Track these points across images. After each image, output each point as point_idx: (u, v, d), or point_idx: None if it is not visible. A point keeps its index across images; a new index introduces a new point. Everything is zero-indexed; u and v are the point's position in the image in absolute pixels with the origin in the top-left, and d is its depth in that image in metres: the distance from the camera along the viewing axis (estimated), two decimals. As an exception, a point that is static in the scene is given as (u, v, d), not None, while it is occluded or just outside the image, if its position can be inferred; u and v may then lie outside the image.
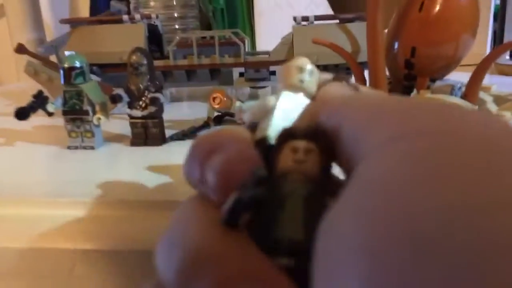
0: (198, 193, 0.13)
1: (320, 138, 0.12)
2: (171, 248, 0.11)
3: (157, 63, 0.51)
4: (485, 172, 0.07)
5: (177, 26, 0.68)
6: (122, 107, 0.38)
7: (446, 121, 0.09)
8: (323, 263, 0.08)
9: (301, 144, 0.12)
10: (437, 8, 0.32)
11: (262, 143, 0.13)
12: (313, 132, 0.12)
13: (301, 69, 0.15)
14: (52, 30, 1.13)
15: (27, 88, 0.73)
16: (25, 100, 0.36)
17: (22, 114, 0.33)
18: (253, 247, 0.10)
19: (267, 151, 0.12)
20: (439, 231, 0.07)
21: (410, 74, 0.34)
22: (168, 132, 0.39)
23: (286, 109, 0.14)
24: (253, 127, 0.15)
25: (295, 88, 0.15)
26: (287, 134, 0.12)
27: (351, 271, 0.07)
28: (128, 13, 0.81)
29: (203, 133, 0.14)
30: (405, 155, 0.08)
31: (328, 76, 0.16)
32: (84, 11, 1.14)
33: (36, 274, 0.28)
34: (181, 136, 0.38)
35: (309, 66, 0.15)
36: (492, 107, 0.34)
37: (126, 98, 0.36)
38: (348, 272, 0.07)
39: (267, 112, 0.14)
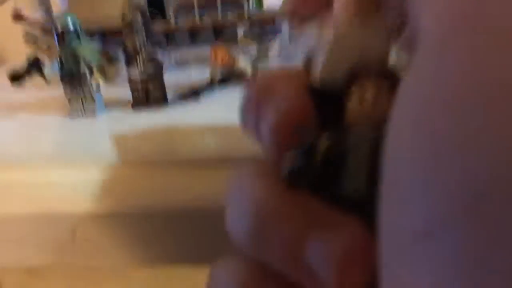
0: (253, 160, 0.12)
1: (389, 74, 0.09)
2: (240, 213, 0.11)
3: (158, 25, 0.49)
4: None
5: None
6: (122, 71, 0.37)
7: None
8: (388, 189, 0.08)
9: (368, 86, 0.10)
10: None
11: (316, 88, 0.10)
12: (381, 69, 0.10)
13: None
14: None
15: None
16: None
17: (17, 77, 0.32)
18: (316, 203, 0.10)
19: (323, 97, 0.10)
20: None
21: None
22: (173, 97, 0.38)
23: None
24: (308, 63, 0.11)
25: None
26: (349, 75, 0.10)
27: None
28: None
29: (257, 75, 0.12)
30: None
31: None
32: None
33: (40, 239, 0.27)
34: (182, 97, 0.37)
35: None
36: None
37: (121, 55, 0.35)
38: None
39: (323, 42, 0.11)
